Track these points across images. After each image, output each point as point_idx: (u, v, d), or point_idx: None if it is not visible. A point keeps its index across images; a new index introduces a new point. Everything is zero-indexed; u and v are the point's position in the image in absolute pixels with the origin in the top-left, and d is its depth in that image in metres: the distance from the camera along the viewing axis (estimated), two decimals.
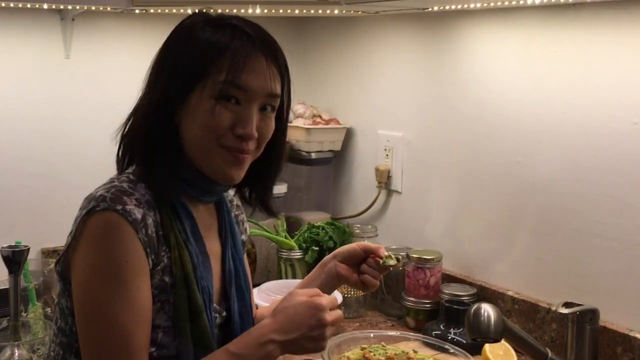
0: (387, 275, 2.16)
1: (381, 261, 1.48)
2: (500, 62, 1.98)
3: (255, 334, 1.28)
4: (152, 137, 1.27)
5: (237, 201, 1.54)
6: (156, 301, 1.25)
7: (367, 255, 1.49)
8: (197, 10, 1.34)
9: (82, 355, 1.21)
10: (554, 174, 1.85)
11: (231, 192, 1.54)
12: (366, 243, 1.53)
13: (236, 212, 1.53)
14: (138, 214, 1.21)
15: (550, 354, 1.59)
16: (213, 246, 1.39)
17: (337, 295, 2.04)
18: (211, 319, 1.31)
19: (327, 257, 1.53)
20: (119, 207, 1.20)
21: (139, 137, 1.28)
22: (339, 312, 1.32)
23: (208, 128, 1.25)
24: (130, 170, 1.31)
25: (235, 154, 1.28)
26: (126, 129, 1.32)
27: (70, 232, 1.25)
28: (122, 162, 1.33)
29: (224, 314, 1.39)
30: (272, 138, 1.34)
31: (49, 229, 2.36)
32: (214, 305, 1.35)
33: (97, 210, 1.20)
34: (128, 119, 1.32)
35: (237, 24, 1.29)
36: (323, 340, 1.29)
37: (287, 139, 1.43)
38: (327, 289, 1.49)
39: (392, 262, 1.48)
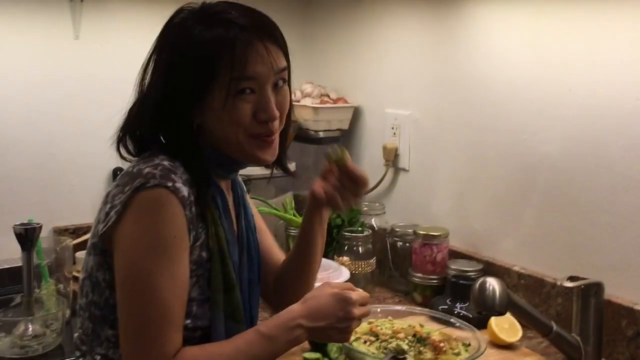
0: (394, 252, 2.21)
1: (328, 155, 1.43)
2: (507, 40, 1.98)
3: (285, 317, 1.31)
4: (180, 133, 1.29)
5: (239, 179, 1.56)
6: (192, 275, 1.28)
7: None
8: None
9: (120, 327, 1.24)
10: (559, 151, 1.86)
11: None
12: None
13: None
14: (185, 191, 1.24)
15: (555, 327, 1.61)
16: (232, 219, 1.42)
17: (345, 272, 2.07)
18: (243, 294, 1.37)
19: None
20: (170, 184, 1.22)
21: (169, 132, 1.30)
22: (367, 309, 1.36)
23: (233, 124, 1.28)
24: (155, 151, 1.31)
25: (264, 138, 1.31)
26: (138, 117, 1.32)
27: (111, 207, 1.25)
28: (134, 144, 1.34)
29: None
30: None
31: (61, 207, 2.39)
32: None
33: (148, 187, 1.21)
34: (136, 106, 1.33)
35: (226, 15, 1.29)
36: (348, 333, 1.33)
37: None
38: (309, 211, 1.49)
39: (335, 155, 1.42)
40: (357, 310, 1.32)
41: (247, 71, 1.26)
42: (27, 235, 1.83)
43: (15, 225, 1.84)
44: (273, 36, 1.31)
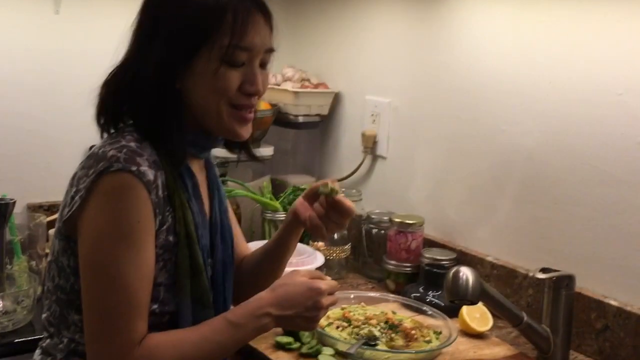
0: (369, 239, 2.22)
1: (318, 191, 1.44)
2: (489, 32, 1.98)
3: (252, 305, 1.31)
4: (157, 101, 1.27)
5: (213, 160, 1.56)
6: (159, 260, 1.27)
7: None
8: None
9: (85, 312, 1.23)
10: (537, 143, 1.87)
11: None
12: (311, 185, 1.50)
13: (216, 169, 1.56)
14: (151, 175, 1.22)
15: (525, 318, 1.63)
16: (205, 202, 1.41)
17: (320, 257, 2.07)
18: (208, 277, 1.35)
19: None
20: (134, 168, 1.20)
21: (144, 101, 1.27)
22: (335, 297, 1.37)
23: (219, 90, 1.28)
24: (126, 128, 1.30)
25: (244, 113, 1.31)
26: (116, 88, 1.31)
27: (76, 191, 1.23)
28: (109, 119, 1.32)
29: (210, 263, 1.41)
30: None
31: (36, 184, 2.37)
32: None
33: (111, 171, 1.20)
34: (114, 77, 1.31)
35: None
36: (315, 322, 1.35)
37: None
38: (289, 227, 1.50)
39: (326, 189, 1.43)
40: (325, 300, 1.33)
41: (246, 40, 1.27)
42: (0, 211, 1.81)
43: None
44: (269, 14, 1.32)
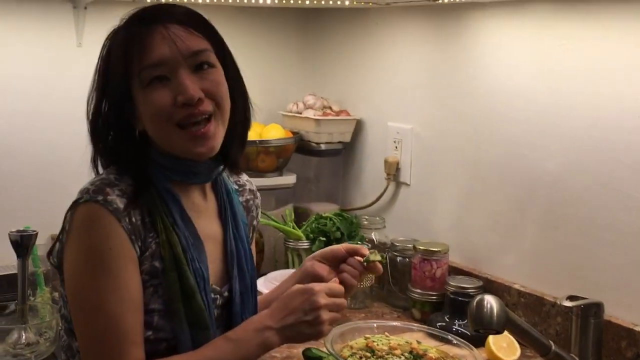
0: (393, 267, 2.19)
1: (364, 258, 1.46)
2: (509, 55, 1.97)
3: (251, 320, 1.31)
4: (116, 142, 1.31)
5: (250, 186, 1.56)
6: (148, 286, 1.27)
7: (349, 255, 1.47)
8: None
9: (78, 342, 1.25)
10: (560, 167, 1.84)
11: (245, 176, 1.56)
12: (349, 244, 1.52)
13: (248, 197, 1.54)
14: (120, 203, 1.23)
15: (554, 347, 1.58)
16: (212, 228, 1.40)
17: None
18: (207, 301, 1.32)
19: (307, 257, 1.53)
20: (100, 198, 1.22)
21: (105, 143, 1.32)
22: (339, 300, 1.33)
23: (156, 116, 1.26)
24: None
25: (192, 129, 1.27)
26: (91, 133, 1.35)
27: (62, 227, 1.28)
28: (95, 164, 1.36)
29: (226, 294, 1.40)
30: (231, 91, 1.33)
31: (59, 215, 2.34)
32: (213, 286, 1.36)
33: (80, 203, 1.23)
34: (90, 123, 1.35)
35: (135, 15, 1.30)
36: (320, 325, 1.30)
37: (246, 92, 1.40)
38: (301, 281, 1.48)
39: (376, 257, 1.46)
40: (322, 299, 1.29)
41: (151, 57, 1.25)
42: (22, 242, 1.82)
43: (11, 232, 1.83)
44: (178, 20, 1.28)
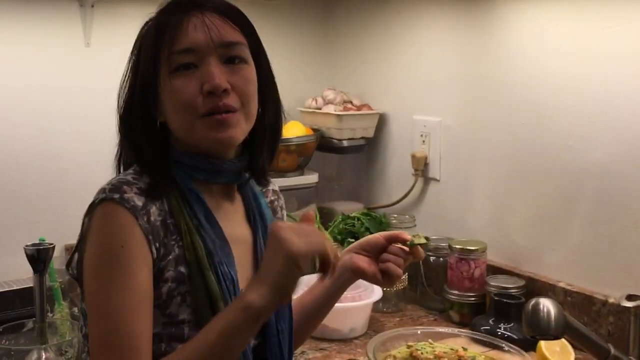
0: (427, 267, 2.09)
1: (408, 242, 1.37)
2: (547, 40, 1.86)
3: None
4: (138, 136, 1.25)
5: (273, 186, 1.48)
6: (176, 295, 1.19)
7: (389, 243, 1.39)
8: None
9: (89, 343, 1.17)
10: (610, 158, 1.73)
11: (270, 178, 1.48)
12: (387, 232, 1.43)
13: (272, 198, 1.46)
14: (138, 201, 1.17)
15: (612, 351, 1.48)
16: (240, 231, 1.32)
17: (377, 291, 1.94)
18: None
19: (344, 250, 1.44)
20: (116, 196, 1.16)
21: (126, 138, 1.27)
22: (304, 225, 1.16)
23: (180, 105, 1.20)
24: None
25: (215, 117, 1.20)
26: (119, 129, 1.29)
27: (80, 233, 1.22)
28: (119, 162, 1.32)
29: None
30: (262, 94, 1.27)
31: (72, 224, 2.24)
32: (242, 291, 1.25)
33: (97, 202, 1.17)
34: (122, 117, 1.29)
35: (170, 1, 1.26)
36: (288, 244, 1.10)
37: (278, 95, 1.34)
38: (340, 287, 1.43)
39: (421, 240, 1.38)
40: (284, 233, 1.10)
41: (183, 42, 1.20)
42: (39, 257, 1.71)
43: (27, 246, 1.73)
44: (217, 9, 1.23)
